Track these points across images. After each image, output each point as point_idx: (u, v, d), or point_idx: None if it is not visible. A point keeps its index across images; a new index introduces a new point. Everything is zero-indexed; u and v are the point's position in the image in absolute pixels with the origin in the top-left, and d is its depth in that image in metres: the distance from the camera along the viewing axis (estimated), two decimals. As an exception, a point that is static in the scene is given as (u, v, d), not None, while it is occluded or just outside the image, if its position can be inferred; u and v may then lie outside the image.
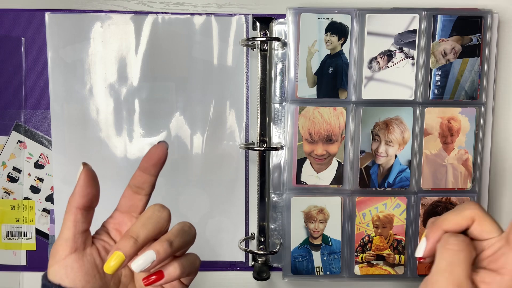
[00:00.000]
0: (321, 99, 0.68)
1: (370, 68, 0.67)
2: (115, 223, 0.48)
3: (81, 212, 0.43)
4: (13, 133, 0.71)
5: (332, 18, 0.67)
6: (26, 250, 0.72)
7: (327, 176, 0.69)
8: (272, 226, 0.71)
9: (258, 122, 0.68)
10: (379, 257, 0.70)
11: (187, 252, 0.46)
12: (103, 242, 0.46)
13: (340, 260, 0.70)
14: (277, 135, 0.70)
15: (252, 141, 0.70)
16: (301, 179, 0.69)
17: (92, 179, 0.44)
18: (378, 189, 0.69)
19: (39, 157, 0.71)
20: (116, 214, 0.48)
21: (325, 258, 0.70)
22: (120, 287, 0.46)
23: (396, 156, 0.68)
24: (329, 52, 0.67)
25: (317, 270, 0.70)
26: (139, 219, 0.44)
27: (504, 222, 0.72)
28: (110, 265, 0.41)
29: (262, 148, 0.67)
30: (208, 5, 0.70)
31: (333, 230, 0.70)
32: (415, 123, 0.68)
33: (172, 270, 0.44)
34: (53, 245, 0.44)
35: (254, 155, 0.70)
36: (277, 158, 0.70)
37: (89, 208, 0.44)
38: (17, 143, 0.71)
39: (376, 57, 0.67)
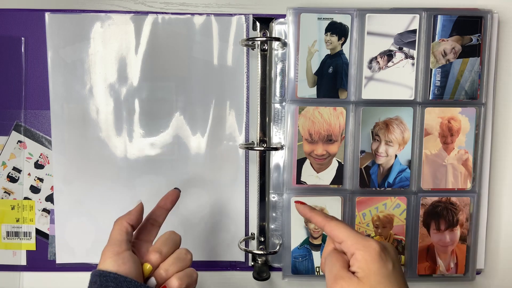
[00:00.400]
0: (321, 99, 0.68)
1: (370, 68, 0.67)
2: (135, 248, 0.57)
3: (131, 227, 0.55)
4: (13, 133, 0.71)
5: (332, 18, 0.67)
6: (26, 250, 0.72)
7: (327, 176, 0.69)
8: (272, 226, 0.71)
9: (258, 122, 0.68)
10: (379, 257, 0.70)
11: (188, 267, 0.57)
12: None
13: (340, 260, 0.70)
14: (277, 135, 0.69)
15: (252, 141, 0.70)
16: (301, 179, 0.69)
17: (143, 212, 0.58)
18: (378, 189, 0.69)
19: (39, 157, 0.71)
20: (136, 242, 0.57)
21: (325, 258, 0.70)
22: None
23: (396, 156, 0.68)
24: (329, 52, 0.67)
25: (317, 270, 0.70)
26: (159, 240, 0.56)
27: (503, 222, 0.72)
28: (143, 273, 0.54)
29: (262, 148, 0.67)
30: (208, 5, 0.70)
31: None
32: (415, 123, 0.68)
33: (172, 283, 0.53)
34: (106, 246, 0.53)
35: (254, 155, 0.70)
36: (277, 158, 0.70)
37: (135, 228, 0.57)
38: (17, 143, 0.71)
39: (376, 57, 0.67)
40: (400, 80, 0.67)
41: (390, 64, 0.67)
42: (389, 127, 0.68)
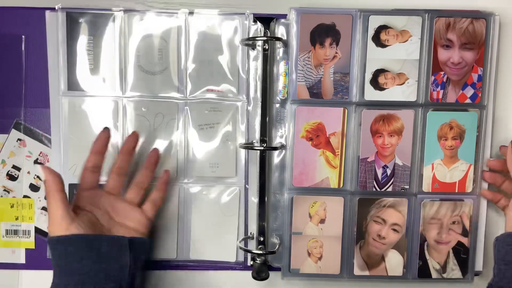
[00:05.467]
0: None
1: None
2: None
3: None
4: (13, 131, 0.70)
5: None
6: (25, 248, 0.72)
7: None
8: (273, 226, 0.71)
9: (258, 122, 0.68)
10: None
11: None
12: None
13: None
14: (278, 135, 0.69)
15: (252, 141, 0.70)
16: (301, 180, 0.69)
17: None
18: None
19: (39, 155, 0.71)
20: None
21: (324, 259, 0.70)
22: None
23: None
24: (331, 53, 0.67)
25: (317, 270, 0.71)
26: None
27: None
28: None
29: (262, 148, 0.67)
30: (208, 5, 0.69)
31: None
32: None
33: None
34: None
35: (254, 155, 0.70)
36: (278, 158, 0.70)
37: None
38: (17, 141, 0.71)
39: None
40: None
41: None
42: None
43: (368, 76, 0.67)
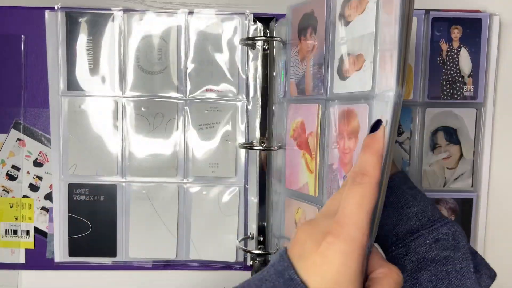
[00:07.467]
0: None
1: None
2: None
3: None
4: (12, 131, 0.70)
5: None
6: (25, 249, 0.72)
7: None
8: (273, 226, 0.71)
9: (258, 122, 0.68)
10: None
11: None
12: None
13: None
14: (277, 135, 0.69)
15: (252, 141, 0.70)
16: (301, 179, 0.68)
17: None
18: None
19: (38, 155, 0.71)
20: None
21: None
22: None
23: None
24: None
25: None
26: None
27: (504, 222, 0.72)
28: None
29: (262, 148, 0.67)
30: (208, 5, 0.70)
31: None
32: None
33: None
34: None
35: (254, 155, 0.70)
36: (279, 157, 0.69)
37: None
38: (16, 141, 0.71)
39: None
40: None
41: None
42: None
43: (336, 64, 0.52)
